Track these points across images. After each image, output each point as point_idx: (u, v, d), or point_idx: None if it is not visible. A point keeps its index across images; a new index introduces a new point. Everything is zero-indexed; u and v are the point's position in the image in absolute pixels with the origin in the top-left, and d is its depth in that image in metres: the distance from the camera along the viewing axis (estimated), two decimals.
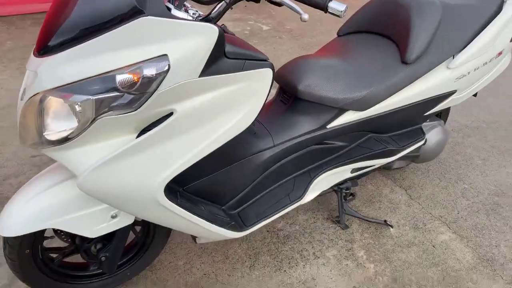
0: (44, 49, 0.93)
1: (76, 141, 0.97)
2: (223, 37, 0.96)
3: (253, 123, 1.32)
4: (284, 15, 4.93)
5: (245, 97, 1.08)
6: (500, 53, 1.68)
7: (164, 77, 0.91)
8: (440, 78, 1.57)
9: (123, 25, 0.88)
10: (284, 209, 1.46)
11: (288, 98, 1.52)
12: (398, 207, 1.98)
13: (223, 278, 1.58)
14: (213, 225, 1.26)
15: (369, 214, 1.92)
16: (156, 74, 0.91)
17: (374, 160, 1.62)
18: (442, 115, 2.10)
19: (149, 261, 1.52)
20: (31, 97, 0.94)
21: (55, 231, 1.29)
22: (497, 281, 1.62)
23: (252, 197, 1.46)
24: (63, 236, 1.32)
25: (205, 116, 1.03)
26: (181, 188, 1.25)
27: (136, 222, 1.43)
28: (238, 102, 1.07)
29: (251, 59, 1.04)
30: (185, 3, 1.11)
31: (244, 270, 1.62)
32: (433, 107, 1.67)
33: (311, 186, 1.53)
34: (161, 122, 1.00)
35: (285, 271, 1.63)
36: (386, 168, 2.13)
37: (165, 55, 0.90)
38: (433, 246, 1.77)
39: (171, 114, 1.00)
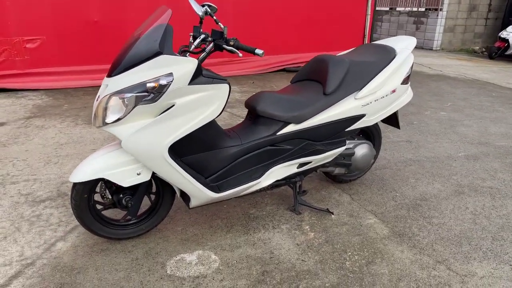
0: (112, 73, 1.87)
1: (123, 121, 1.86)
2: (200, 66, 1.89)
3: (229, 130, 2.22)
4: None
5: (212, 99, 1.96)
6: (394, 91, 2.55)
7: (170, 84, 1.82)
8: (350, 105, 2.43)
9: (152, 59, 1.82)
10: (246, 183, 2.24)
11: (252, 116, 2.40)
12: (341, 204, 2.70)
13: (207, 237, 2.32)
14: (197, 183, 2.06)
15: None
16: (166, 82, 1.82)
17: (309, 157, 2.41)
18: (375, 141, 2.91)
19: (158, 221, 2.29)
20: (102, 98, 1.86)
21: (102, 188, 2.11)
22: (402, 245, 2.28)
23: (227, 176, 2.26)
24: (105, 195, 2.14)
25: (191, 108, 1.92)
26: (179, 158, 2.08)
27: (151, 192, 2.25)
28: (208, 102, 1.96)
29: (216, 78, 1.95)
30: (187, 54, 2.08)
31: (222, 233, 2.35)
32: (350, 125, 2.50)
33: (266, 173, 2.33)
34: (167, 110, 1.89)
35: (250, 234, 2.35)
36: (337, 180, 2.90)
37: (171, 73, 1.82)
38: (360, 225, 2.46)
39: (173, 105, 1.89)
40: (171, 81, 1.83)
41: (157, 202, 2.27)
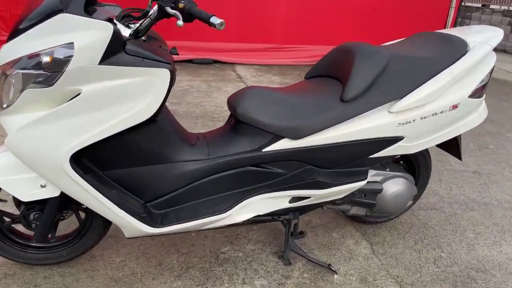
0: (9, 37, 1.25)
1: (11, 108, 1.24)
2: (118, 35, 1.20)
3: (198, 136, 1.52)
4: None
5: (143, 90, 1.27)
6: (455, 107, 1.66)
7: (70, 59, 1.16)
8: (380, 120, 1.60)
9: (49, 19, 1.17)
10: (206, 217, 1.54)
11: (233, 121, 1.67)
12: (354, 258, 1.89)
13: (146, 281, 1.66)
14: (120, 210, 1.40)
15: (320, 258, 1.87)
16: (64, 57, 1.16)
17: (307, 190, 1.64)
18: (420, 173, 2.03)
19: (86, 248, 1.68)
20: None
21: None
22: None
23: (179, 202, 1.57)
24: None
25: (107, 101, 1.24)
26: (101, 172, 1.43)
27: (79, 208, 1.63)
28: (137, 94, 1.27)
29: (149, 59, 1.25)
30: (132, 21, 1.40)
31: (169, 278, 1.68)
32: (377, 150, 1.67)
33: (240, 205, 1.60)
34: (70, 100, 1.23)
35: (202, 285, 1.65)
36: (357, 219, 2.08)
37: (72, 43, 1.16)
38: None
39: (79, 94, 1.23)
40: (71, 56, 1.17)
41: (86, 222, 1.65)
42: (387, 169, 1.85)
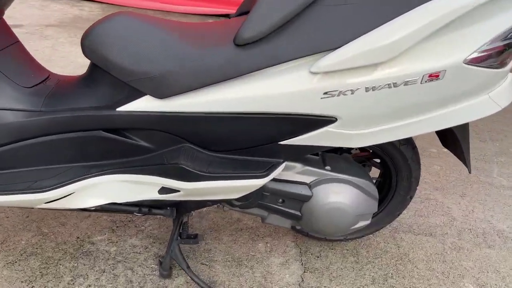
0: None
1: None
2: None
3: (50, 78, 1.10)
4: None
5: None
6: (434, 76, 0.93)
7: None
8: (295, 84, 0.94)
9: None
10: (14, 195, 1.07)
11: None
12: (268, 287, 1.30)
13: None
14: None
15: (216, 276, 1.31)
16: None
17: (169, 179, 1.07)
18: (398, 181, 1.33)
19: None
20: None
21: None
22: None
23: None
24: None
25: None
26: None
27: None
28: None
29: None
30: None
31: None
32: (292, 134, 1.02)
33: (80, 184, 1.10)
34: None
35: (30, 282, 1.20)
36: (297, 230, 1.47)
37: None
38: None
39: None
40: None
41: None
42: (327, 167, 1.19)
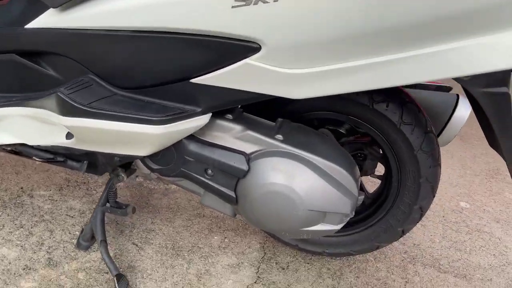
0: None
1: None
2: None
3: None
4: None
5: None
6: None
7: None
8: None
9: None
10: None
11: None
12: (205, 283, 0.98)
13: None
14: None
15: (143, 258, 1.04)
16: None
17: (43, 111, 0.84)
18: (402, 185, 0.91)
19: None
20: None
21: None
22: None
23: None
24: None
25: None
26: None
27: None
28: None
29: None
30: None
31: None
32: (203, 67, 0.71)
33: None
34: None
35: None
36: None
37: None
38: None
39: None
40: None
41: None
42: (279, 136, 0.83)
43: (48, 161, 1.03)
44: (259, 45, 0.66)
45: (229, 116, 0.85)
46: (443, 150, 0.95)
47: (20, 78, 0.94)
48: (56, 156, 1.00)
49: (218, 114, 0.84)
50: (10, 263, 0.99)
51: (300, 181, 0.81)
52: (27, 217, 1.14)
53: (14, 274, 0.96)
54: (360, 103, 0.86)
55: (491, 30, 0.58)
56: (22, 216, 1.14)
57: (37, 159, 1.02)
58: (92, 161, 0.97)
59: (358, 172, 0.88)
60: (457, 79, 0.68)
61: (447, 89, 1.05)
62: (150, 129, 0.76)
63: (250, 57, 0.67)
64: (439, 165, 0.90)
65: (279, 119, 0.89)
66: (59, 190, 1.27)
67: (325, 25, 0.61)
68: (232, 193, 0.86)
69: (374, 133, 0.90)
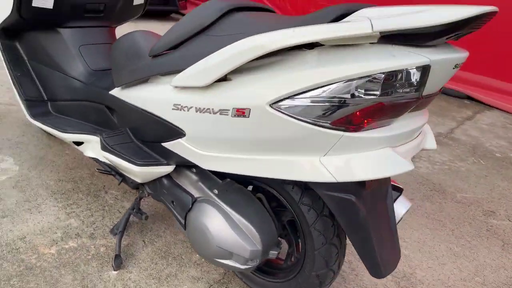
0: None
1: None
2: None
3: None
4: None
5: None
6: (241, 112, 0.86)
7: None
8: (162, 92, 1.10)
9: None
10: (62, 133, 1.65)
11: None
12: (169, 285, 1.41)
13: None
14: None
15: (140, 252, 1.52)
16: None
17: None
18: (308, 249, 1.16)
19: None
20: None
21: None
22: None
23: (64, 112, 1.77)
24: None
25: None
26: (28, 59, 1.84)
27: None
28: None
29: None
30: None
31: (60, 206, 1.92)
32: (164, 138, 1.15)
33: (86, 137, 1.59)
34: None
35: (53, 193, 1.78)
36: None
37: None
38: None
39: None
40: None
41: None
42: (215, 190, 1.21)
43: (112, 174, 1.62)
44: (184, 133, 1.08)
45: (194, 170, 1.28)
46: None
47: (103, 119, 1.56)
48: (116, 173, 1.57)
49: (189, 166, 1.28)
50: (71, 229, 1.60)
51: (215, 224, 1.17)
52: (96, 205, 1.76)
53: (69, 236, 1.56)
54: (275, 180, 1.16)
55: (289, 152, 0.87)
56: (93, 203, 1.77)
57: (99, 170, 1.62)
58: (124, 178, 1.52)
59: (271, 231, 1.18)
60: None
61: (400, 190, 1.25)
62: (131, 166, 1.25)
63: (181, 138, 1.10)
64: (334, 244, 1.13)
65: (227, 179, 1.26)
66: (124, 193, 1.87)
67: (213, 131, 1.00)
68: (182, 221, 1.27)
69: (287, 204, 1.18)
